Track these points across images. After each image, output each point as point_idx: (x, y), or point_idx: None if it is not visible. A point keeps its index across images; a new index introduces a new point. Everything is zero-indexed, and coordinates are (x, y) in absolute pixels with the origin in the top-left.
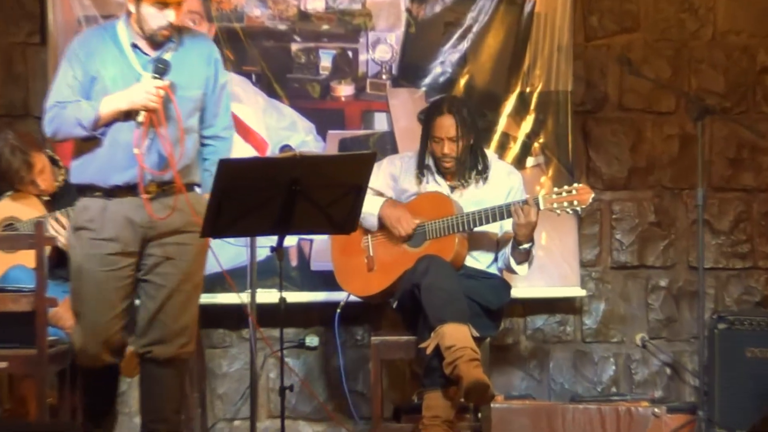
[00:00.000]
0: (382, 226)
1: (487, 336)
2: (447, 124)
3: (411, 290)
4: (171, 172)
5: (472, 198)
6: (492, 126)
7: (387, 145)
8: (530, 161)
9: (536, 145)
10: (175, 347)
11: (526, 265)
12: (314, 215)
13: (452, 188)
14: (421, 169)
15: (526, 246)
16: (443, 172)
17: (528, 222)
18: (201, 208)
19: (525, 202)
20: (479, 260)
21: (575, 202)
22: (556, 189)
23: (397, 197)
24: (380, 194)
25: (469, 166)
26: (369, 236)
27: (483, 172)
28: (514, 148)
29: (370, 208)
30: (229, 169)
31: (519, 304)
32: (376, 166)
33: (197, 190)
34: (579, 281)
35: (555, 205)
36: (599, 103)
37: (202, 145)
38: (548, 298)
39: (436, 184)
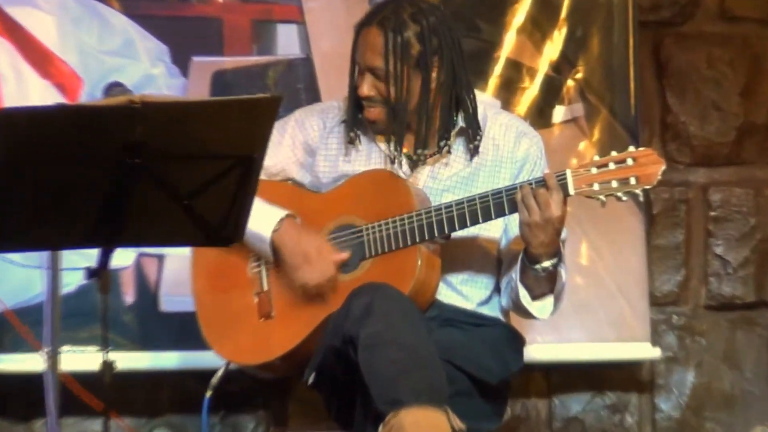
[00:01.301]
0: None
1: (482, 431)
2: (369, 43)
3: (340, 350)
4: None
5: (451, 181)
6: (489, 50)
7: (298, 83)
8: (559, 113)
9: (570, 83)
10: None
11: (548, 301)
12: (166, 212)
13: (412, 163)
14: (353, 127)
15: (546, 264)
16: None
17: (546, 219)
18: None
19: (541, 182)
20: (465, 293)
21: (632, 180)
22: (597, 158)
23: (317, 188)
24: (281, 195)
25: (442, 123)
26: (263, 259)
27: (472, 135)
28: (530, 90)
29: (259, 223)
30: (5, 127)
31: (540, 374)
32: (277, 127)
33: None
34: (648, 332)
35: (596, 186)
36: (686, 8)
37: None
38: (593, 363)
39: (380, 157)
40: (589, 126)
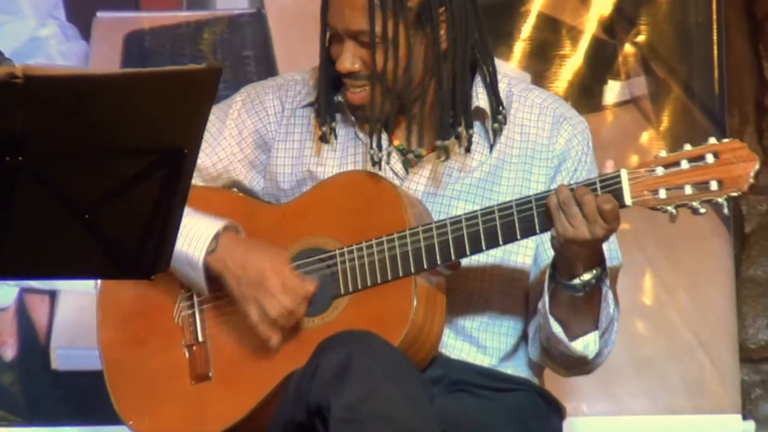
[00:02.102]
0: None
1: None
2: None
3: (304, 425)
4: None
5: (463, 184)
6: (514, 1)
7: (245, 48)
8: (613, 91)
9: (629, 49)
10: None
11: (592, 338)
12: (59, 231)
13: (406, 160)
14: (326, 116)
15: (586, 277)
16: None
17: (592, 234)
18: None
19: (593, 186)
20: (482, 343)
21: (714, 184)
22: (664, 153)
23: (275, 198)
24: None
25: (460, 100)
26: (195, 294)
27: (492, 115)
28: (572, 59)
29: (188, 242)
30: None
31: None
32: (216, 112)
33: None
34: (739, 399)
35: (662, 193)
36: None
37: None
38: None
39: (361, 153)
40: (654, 109)
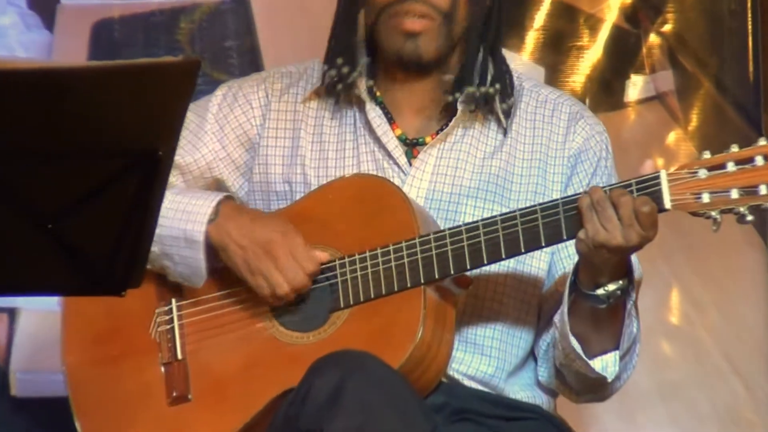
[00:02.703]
0: (224, 275)
1: None
2: None
3: None
4: None
5: (476, 178)
6: None
7: (227, 38)
8: (636, 87)
9: (654, 40)
10: None
11: (612, 359)
12: (19, 242)
13: (408, 151)
14: (352, 57)
15: (611, 288)
16: (409, 67)
17: (627, 241)
18: None
19: (630, 188)
20: (488, 352)
21: (763, 188)
22: (708, 154)
23: (264, 202)
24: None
25: (483, 67)
26: (174, 303)
27: (500, 95)
28: (591, 51)
29: (181, 218)
30: None
31: None
32: (195, 109)
33: None
34: None
35: (706, 197)
36: None
37: None
38: None
39: (360, 150)
40: (682, 107)
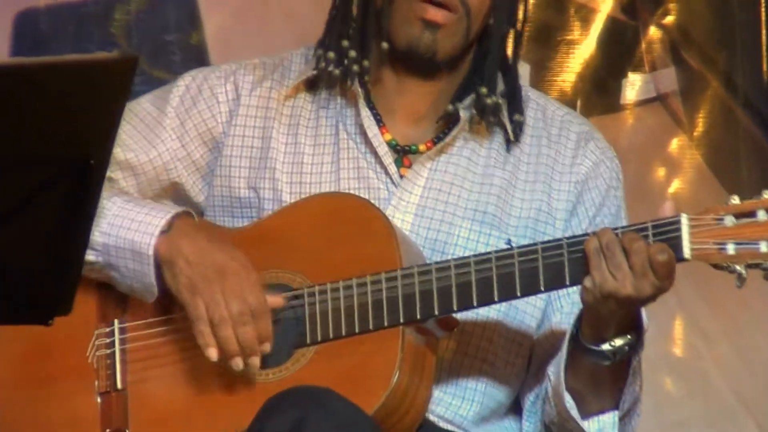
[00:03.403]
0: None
1: None
2: None
3: None
4: None
5: (475, 199)
6: None
7: (167, 32)
8: (634, 87)
9: (654, 33)
10: None
11: (610, 420)
12: None
13: (398, 159)
14: (361, 54)
15: (617, 343)
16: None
17: (637, 291)
18: None
19: (645, 232)
20: (474, 407)
21: None
22: (736, 200)
23: (227, 210)
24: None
25: (489, 73)
26: (117, 325)
27: (509, 108)
28: (583, 46)
29: (129, 227)
30: None
31: None
32: (153, 101)
33: None
34: None
35: (731, 248)
36: None
37: None
38: None
39: (343, 155)
40: (687, 109)
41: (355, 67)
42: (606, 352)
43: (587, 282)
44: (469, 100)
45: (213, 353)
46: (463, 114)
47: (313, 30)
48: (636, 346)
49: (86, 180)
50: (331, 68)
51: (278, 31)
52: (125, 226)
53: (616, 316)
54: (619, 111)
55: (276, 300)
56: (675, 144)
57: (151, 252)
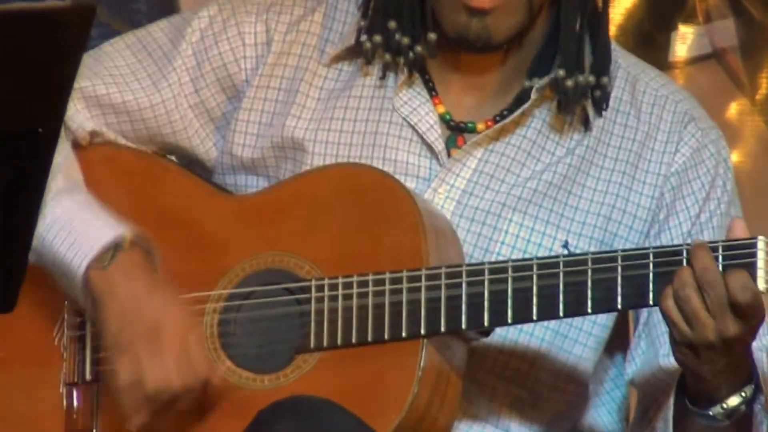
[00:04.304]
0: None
1: None
2: None
3: None
4: None
5: (528, 186)
6: None
7: None
8: (686, 41)
9: None
10: None
11: None
12: None
13: (451, 136)
14: (417, 24)
15: (733, 403)
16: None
17: (713, 341)
18: None
19: (715, 253)
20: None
21: None
22: None
23: (229, 172)
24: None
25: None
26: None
27: (600, 85)
28: None
29: (72, 242)
30: None
31: None
32: (167, 27)
33: None
34: None
35: None
36: None
37: None
38: None
39: (379, 123)
40: (748, 68)
41: (411, 55)
42: (718, 416)
43: (675, 334)
44: (546, 78)
45: (134, 425)
46: (535, 94)
47: None
48: (755, 397)
49: (33, 152)
50: (378, 53)
51: None
52: (60, 237)
53: (717, 369)
54: (668, 69)
55: (217, 376)
56: (734, 109)
57: (80, 278)
